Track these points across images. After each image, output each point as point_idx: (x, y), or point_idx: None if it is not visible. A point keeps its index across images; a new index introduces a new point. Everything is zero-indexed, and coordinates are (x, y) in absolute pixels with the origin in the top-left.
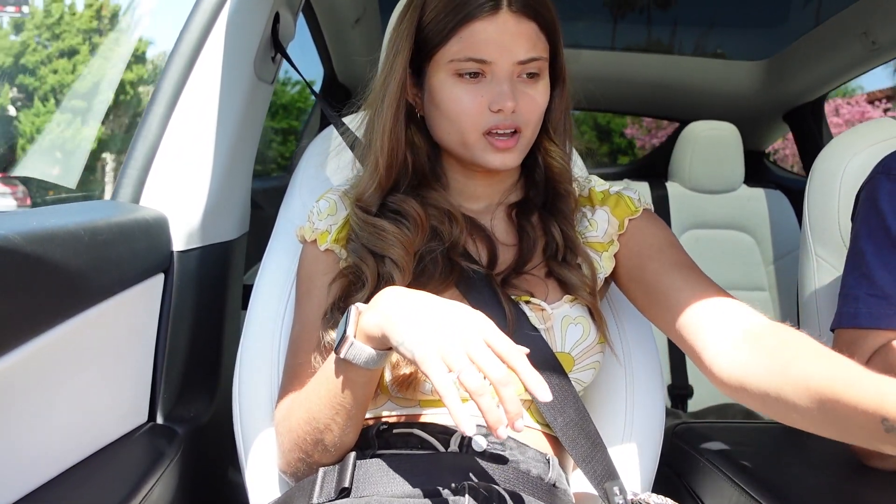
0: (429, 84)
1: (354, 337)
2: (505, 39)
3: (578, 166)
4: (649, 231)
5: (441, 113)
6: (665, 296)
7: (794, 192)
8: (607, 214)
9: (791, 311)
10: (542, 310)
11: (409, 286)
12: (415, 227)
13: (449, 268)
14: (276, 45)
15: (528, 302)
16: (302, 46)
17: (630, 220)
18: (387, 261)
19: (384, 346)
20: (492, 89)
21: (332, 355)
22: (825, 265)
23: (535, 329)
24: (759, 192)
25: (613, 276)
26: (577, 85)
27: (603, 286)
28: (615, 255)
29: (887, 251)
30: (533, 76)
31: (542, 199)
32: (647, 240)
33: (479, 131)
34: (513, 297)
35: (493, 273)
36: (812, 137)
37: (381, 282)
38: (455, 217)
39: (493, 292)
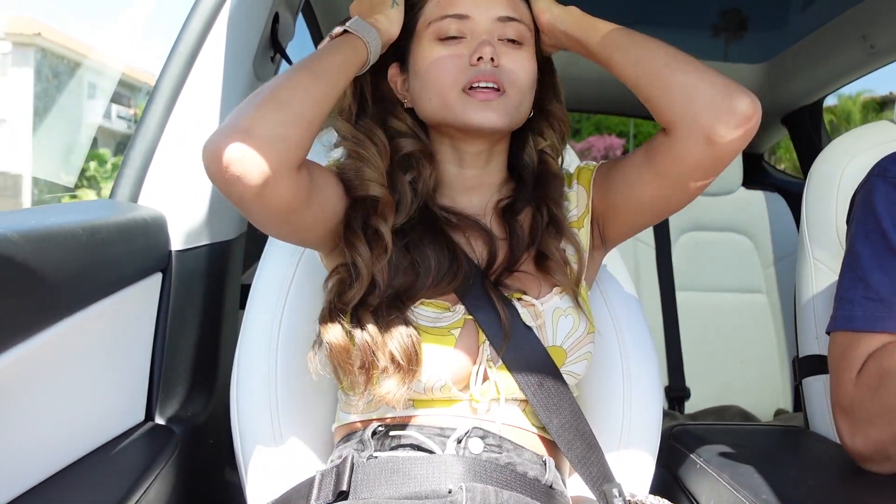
0: (412, 59)
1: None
2: None
3: (571, 154)
4: (606, 170)
5: (422, 80)
6: (633, 180)
7: (793, 194)
8: (575, 184)
9: (789, 313)
10: (534, 306)
11: (403, 291)
12: (381, 153)
13: (447, 271)
14: (276, 46)
15: (520, 299)
16: (301, 46)
17: (593, 177)
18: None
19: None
20: (471, 44)
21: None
22: (823, 268)
23: (528, 327)
24: (757, 195)
25: (603, 234)
26: (580, 86)
27: (591, 263)
28: (590, 224)
29: (883, 254)
30: (515, 42)
31: (530, 191)
32: (605, 174)
33: (458, 87)
34: (506, 294)
35: (488, 273)
36: (810, 140)
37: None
38: (427, 154)
39: (485, 294)
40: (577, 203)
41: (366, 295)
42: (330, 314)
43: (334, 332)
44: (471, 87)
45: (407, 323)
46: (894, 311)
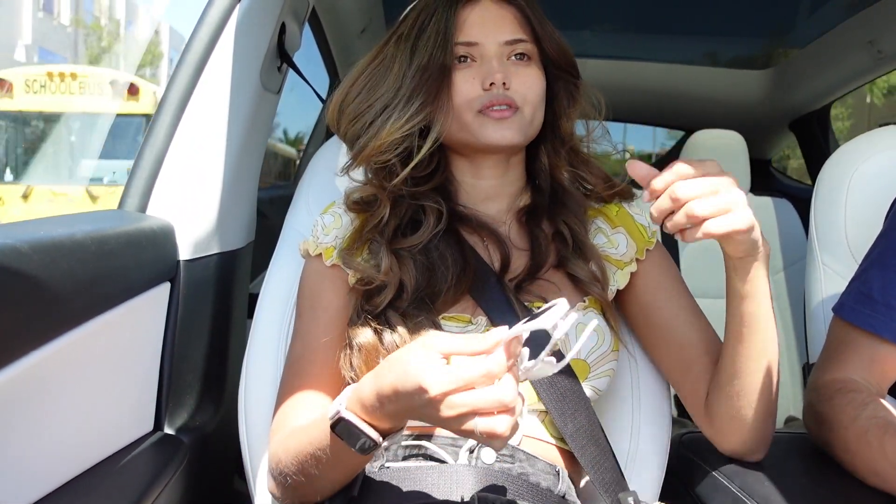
0: None
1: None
2: (488, 22)
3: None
4: (665, 266)
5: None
6: (670, 337)
7: (801, 200)
8: (626, 238)
9: (798, 320)
10: None
11: (423, 295)
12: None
13: (461, 270)
14: (283, 55)
15: (540, 307)
16: (308, 56)
17: (647, 250)
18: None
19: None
20: (482, 69)
21: (329, 443)
22: (832, 274)
23: (548, 335)
24: (765, 201)
25: (621, 298)
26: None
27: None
28: (632, 275)
29: (892, 254)
30: (523, 57)
31: (548, 200)
32: (662, 276)
33: (473, 110)
34: (526, 303)
35: (505, 278)
36: (818, 146)
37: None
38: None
39: (505, 298)
40: (621, 249)
41: (394, 299)
42: (358, 317)
43: (364, 334)
44: (485, 109)
45: (434, 325)
46: (878, 310)
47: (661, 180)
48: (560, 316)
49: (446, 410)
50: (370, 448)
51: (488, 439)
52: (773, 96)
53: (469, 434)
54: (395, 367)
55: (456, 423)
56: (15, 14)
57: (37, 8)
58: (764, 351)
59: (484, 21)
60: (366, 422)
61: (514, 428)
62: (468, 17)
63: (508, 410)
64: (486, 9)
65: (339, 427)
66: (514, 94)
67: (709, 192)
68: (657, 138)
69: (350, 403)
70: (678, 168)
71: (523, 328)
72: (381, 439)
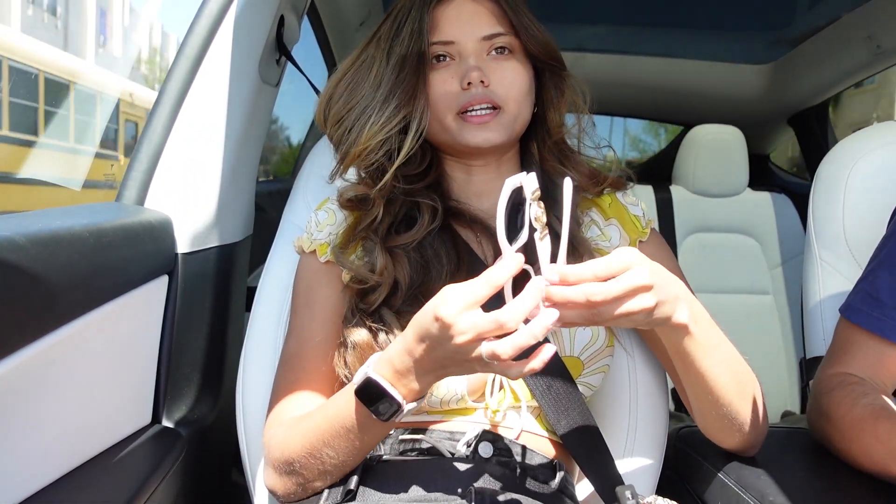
0: None
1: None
2: (463, 18)
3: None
4: (659, 258)
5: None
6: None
7: (799, 195)
8: (619, 230)
9: (796, 315)
10: None
11: (417, 292)
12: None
13: (455, 267)
14: (281, 48)
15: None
16: (307, 49)
17: (640, 241)
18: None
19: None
20: (460, 67)
21: (351, 412)
22: (830, 269)
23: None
24: (763, 196)
25: None
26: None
27: None
28: None
29: None
30: (504, 51)
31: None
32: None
33: (454, 111)
34: None
35: None
36: (817, 141)
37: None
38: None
39: (497, 293)
40: (614, 242)
41: (388, 297)
42: (353, 315)
43: (359, 333)
44: (465, 112)
45: None
46: (886, 313)
47: (575, 273)
48: (521, 179)
49: (459, 337)
50: (394, 413)
51: (499, 367)
52: (772, 91)
53: (481, 364)
54: (416, 316)
55: (468, 351)
56: (81, 48)
57: (98, 44)
58: (735, 381)
59: (459, 18)
60: (392, 386)
61: (517, 349)
62: (443, 15)
63: (508, 332)
64: (461, 6)
65: (366, 390)
66: (494, 92)
67: (625, 296)
68: (626, 151)
69: (378, 366)
70: (594, 268)
71: (501, 207)
72: (404, 403)
